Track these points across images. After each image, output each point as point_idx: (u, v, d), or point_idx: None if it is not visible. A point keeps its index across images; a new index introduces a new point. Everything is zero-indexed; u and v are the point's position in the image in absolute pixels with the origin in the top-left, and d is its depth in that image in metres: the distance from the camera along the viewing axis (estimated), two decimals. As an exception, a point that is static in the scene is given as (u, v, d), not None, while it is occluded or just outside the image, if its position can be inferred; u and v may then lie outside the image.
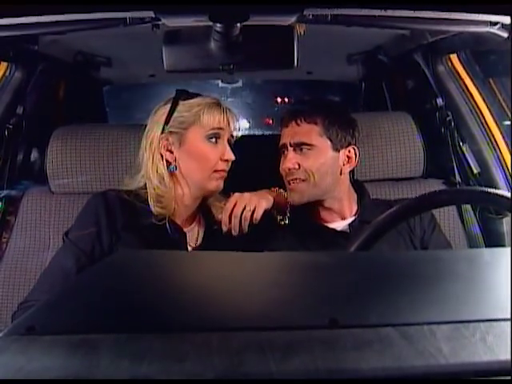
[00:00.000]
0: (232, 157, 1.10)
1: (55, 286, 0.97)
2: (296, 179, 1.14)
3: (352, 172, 1.22)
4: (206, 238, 1.14)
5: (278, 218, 1.18)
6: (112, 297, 0.43)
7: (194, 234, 1.13)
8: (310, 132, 1.14)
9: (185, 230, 1.11)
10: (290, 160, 1.14)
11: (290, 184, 1.15)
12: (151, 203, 1.06)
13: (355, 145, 1.18)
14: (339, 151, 1.15)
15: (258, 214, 1.09)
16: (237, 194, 1.12)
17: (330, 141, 1.14)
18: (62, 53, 1.61)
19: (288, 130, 1.16)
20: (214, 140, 1.08)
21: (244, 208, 1.09)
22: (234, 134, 1.13)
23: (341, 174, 1.16)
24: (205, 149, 1.07)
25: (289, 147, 1.15)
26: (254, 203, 1.10)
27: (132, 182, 1.12)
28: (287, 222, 1.19)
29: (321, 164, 1.13)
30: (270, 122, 3.72)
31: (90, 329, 0.36)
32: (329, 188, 1.15)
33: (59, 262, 1.03)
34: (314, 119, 1.14)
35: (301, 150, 1.13)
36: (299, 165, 1.13)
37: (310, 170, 1.12)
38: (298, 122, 1.15)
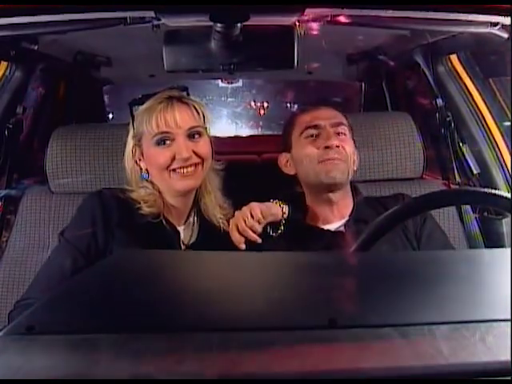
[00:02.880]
0: (185, 154, 1.03)
1: (51, 286, 0.97)
2: (336, 158, 1.11)
3: None
4: (200, 237, 1.14)
5: (270, 229, 1.14)
6: (112, 297, 0.43)
7: (187, 232, 1.13)
8: (341, 116, 1.18)
9: (178, 228, 1.11)
10: (333, 138, 1.12)
11: (326, 163, 1.11)
12: (141, 204, 1.07)
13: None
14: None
15: (257, 214, 1.05)
16: (237, 212, 1.08)
17: (350, 130, 1.18)
18: (62, 53, 1.61)
19: (319, 111, 1.17)
20: (167, 142, 1.05)
21: (247, 218, 1.05)
22: (199, 128, 1.07)
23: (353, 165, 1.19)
24: (155, 153, 1.05)
25: (328, 127, 1.13)
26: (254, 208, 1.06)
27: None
28: (280, 232, 1.14)
29: (353, 151, 1.16)
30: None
31: (89, 329, 0.36)
32: (348, 178, 1.15)
33: (55, 262, 1.03)
34: (334, 110, 1.19)
35: (338, 133, 1.14)
36: (341, 146, 1.13)
37: (348, 152, 1.13)
38: (325, 107, 1.19)
